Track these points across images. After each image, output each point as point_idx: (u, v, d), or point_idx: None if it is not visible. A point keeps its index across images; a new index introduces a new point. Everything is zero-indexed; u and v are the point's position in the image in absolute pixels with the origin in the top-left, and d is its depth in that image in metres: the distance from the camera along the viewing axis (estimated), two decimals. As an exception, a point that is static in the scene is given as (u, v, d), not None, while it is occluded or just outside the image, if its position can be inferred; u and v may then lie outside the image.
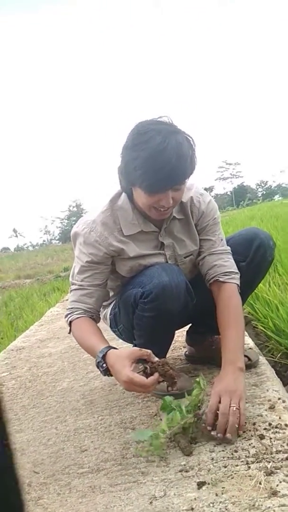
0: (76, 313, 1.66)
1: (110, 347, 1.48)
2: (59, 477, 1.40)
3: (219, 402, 1.38)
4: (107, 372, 1.46)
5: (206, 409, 1.40)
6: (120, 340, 2.32)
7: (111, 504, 1.19)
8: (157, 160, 1.41)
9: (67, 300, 5.25)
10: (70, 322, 1.67)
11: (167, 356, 1.87)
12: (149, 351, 1.40)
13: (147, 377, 1.34)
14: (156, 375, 1.34)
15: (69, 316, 1.68)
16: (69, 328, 1.70)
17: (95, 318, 1.71)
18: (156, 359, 1.39)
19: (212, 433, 1.35)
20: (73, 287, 1.70)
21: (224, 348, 1.56)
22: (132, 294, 1.64)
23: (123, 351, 1.44)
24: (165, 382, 1.43)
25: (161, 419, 1.56)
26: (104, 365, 1.45)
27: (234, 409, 1.35)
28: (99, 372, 1.50)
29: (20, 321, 6.86)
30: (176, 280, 1.57)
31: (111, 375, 1.46)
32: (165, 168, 1.41)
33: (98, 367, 1.49)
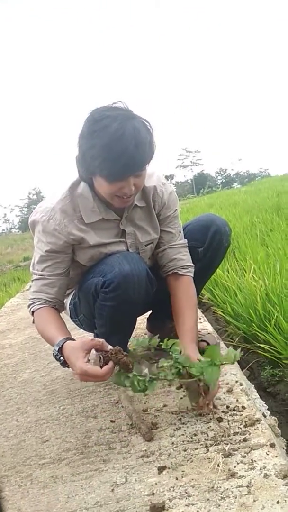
0: (38, 303, 1.63)
1: (67, 339, 1.45)
2: (20, 469, 1.39)
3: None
4: (65, 364, 1.45)
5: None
6: (81, 330, 2.32)
7: (73, 493, 1.19)
8: (115, 147, 1.37)
9: (27, 290, 5.19)
10: (33, 312, 1.65)
11: (128, 343, 1.88)
12: (101, 340, 1.39)
13: (101, 367, 1.34)
14: (110, 364, 1.34)
15: (31, 306, 1.65)
16: (32, 318, 1.68)
17: (58, 308, 1.68)
18: (110, 347, 1.38)
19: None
20: (34, 277, 1.67)
21: (184, 327, 1.63)
22: (93, 284, 1.62)
23: (76, 342, 1.42)
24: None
25: (122, 407, 1.57)
26: (61, 357, 1.43)
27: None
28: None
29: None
30: (137, 268, 1.57)
31: (69, 367, 1.45)
32: (123, 155, 1.38)
33: (56, 359, 1.48)
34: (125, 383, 1.34)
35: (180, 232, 1.80)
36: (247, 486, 1.06)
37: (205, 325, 2.27)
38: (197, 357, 1.48)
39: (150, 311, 2.08)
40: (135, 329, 1.90)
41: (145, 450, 1.30)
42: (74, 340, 1.45)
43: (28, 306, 1.67)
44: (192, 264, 1.77)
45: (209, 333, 2.11)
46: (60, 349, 1.43)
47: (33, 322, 1.67)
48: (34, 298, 1.65)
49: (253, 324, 2.15)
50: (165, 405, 1.53)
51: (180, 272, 1.73)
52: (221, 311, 2.67)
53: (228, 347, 2.04)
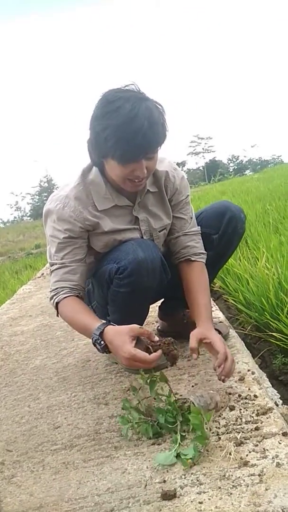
0: (62, 292, 1.60)
1: (107, 324, 1.45)
2: (32, 454, 1.40)
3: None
4: (105, 348, 1.43)
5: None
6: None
7: (84, 480, 1.20)
8: (128, 128, 1.36)
9: (39, 277, 5.23)
10: (57, 303, 1.61)
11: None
12: (149, 330, 1.39)
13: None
14: (159, 352, 1.32)
15: (54, 297, 1.62)
16: (56, 310, 1.64)
17: (82, 296, 1.66)
18: (157, 338, 1.38)
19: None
20: (54, 266, 1.63)
21: (198, 305, 1.63)
22: (107, 270, 1.61)
23: (122, 327, 1.40)
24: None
25: (133, 394, 1.58)
26: (102, 342, 1.42)
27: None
28: (96, 350, 1.47)
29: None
30: (151, 255, 1.56)
31: (109, 352, 1.44)
32: (137, 135, 1.36)
33: (95, 345, 1.46)
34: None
35: (191, 218, 1.79)
36: (259, 475, 1.05)
37: (216, 314, 2.26)
38: (212, 335, 1.48)
39: (162, 299, 2.07)
40: (146, 317, 1.90)
41: (156, 438, 1.30)
42: (114, 325, 1.45)
43: (51, 298, 1.64)
44: (205, 252, 1.77)
45: (220, 322, 2.10)
46: (101, 334, 1.41)
47: (57, 314, 1.65)
48: (57, 288, 1.62)
49: (265, 313, 2.13)
50: (176, 393, 1.53)
51: (192, 258, 1.73)
52: (233, 300, 2.65)
53: (239, 336, 2.03)
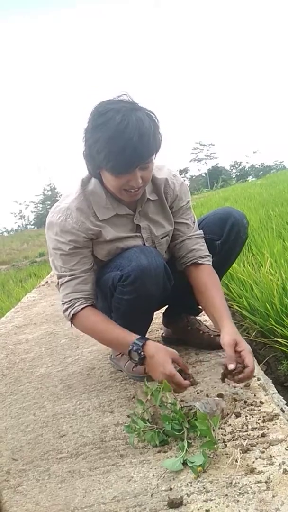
0: (77, 304, 1.61)
1: (147, 338, 1.52)
2: (38, 463, 1.39)
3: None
4: (142, 360, 1.48)
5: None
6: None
7: (90, 488, 1.19)
8: (118, 139, 1.37)
9: (43, 285, 5.24)
10: (73, 315, 1.62)
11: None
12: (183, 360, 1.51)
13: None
14: (191, 381, 1.47)
15: (70, 309, 1.62)
16: (70, 322, 1.67)
17: (95, 305, 1.68)
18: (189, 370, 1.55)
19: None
20: (65, 279, 1.63)
21: (215, 304, 1.63)
22: (110, 277, 1.62)
23: (163, 346, 1.52)
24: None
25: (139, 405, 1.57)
26: (142, 353, 1.47)
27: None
28: (130, 360, 1.56)
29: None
30: (155, 262, 1.56)
31: (142, 364, 1.50)
32: (127, 147, 1.37)
33: (131, 354, 1.50)
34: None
35: (194, 222, 1.80)
36: (266, 482, 1.05)
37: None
38: (244, 344, 1.48)
39: (167, 306, 2.07)
40: (151, 324, 1.90)
41: (163, 445, 1.30)
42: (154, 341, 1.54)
43: (65, 311, 1.64)
44: (210, 254, 1.76)
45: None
46: (143, 346, 1.47)
47: (72, 325, 1.68)
48: (71, 300, 1.62)
49: (270, 318, 2.13)
50: (181, 400, 1.52)
51: (199, 261, 1.73)
52: (237, 306, 2.65)
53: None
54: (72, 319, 1.64)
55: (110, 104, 1.43)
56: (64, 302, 1.64)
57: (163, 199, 1.71)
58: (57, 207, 1.64)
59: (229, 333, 1.50)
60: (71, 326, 1.70)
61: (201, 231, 1.79)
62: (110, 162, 1.42)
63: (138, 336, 1.51)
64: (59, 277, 1.65)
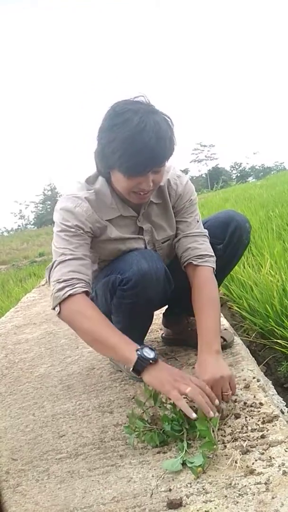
0: (78, 285, 1.44)
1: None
2: (37, 463, 1.39)
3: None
4: (140, 372, 1.33)
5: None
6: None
7: (90, 488, 1.19)
8: (135, 141, 1.35)
9: (43, 285, 5.24)
10: (70, 295, 1.43)
11: (144, 339, 1.88)
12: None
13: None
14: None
15: (67, 289, 1.44)
16: (58, 305, 1.45)
17: (92, 299, 1.59)
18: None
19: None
20: (65, 257, 1.48)
21: (200, 332, 1.54)
22: (110, 280, 1.61)
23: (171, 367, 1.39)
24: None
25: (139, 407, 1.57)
26: (147, 366, 1.32)
27: (229, 395, 1.39)
28: (129, 367, 1.35)
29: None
30: (155, 267, 1.55)
31: (137, 376, 1.36)
32: (144, 149, 1.35)
33: (140, 362, 1.32)
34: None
35: (198, 221, 1.75)
36: (266, 483, 1.05)
37: (221, 321, 2.26)
38: (212, 360, 1.43)
39: (166, 306, 2.07)
40: (151, 325, 1.90)
41: (162, 446, 1.30)
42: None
43: (61, 290, 1.44)
44: (212, 253, 1.69)
45: (225, 329, 2.10)
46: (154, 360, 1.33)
47: (59, 308, 1.45)
48: (72, 280, 1.45)
49: (270, 320, 2.13)
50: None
51: (195, 263, 1.65)
52: (237, 307, 2.65)
53: (244, 343, 2.03)
54: (64, 301, 1.44)
55: (127, 105, 1.41)
56: (61, 280, 1.46)
57: (167, 202, 1.69)
58: (67, 196, 1.59)
59: (202, 370, 1.44)
60: (57, 310, 1.47)
61: (204, 230, 1.74)
62: (124, 163, 1.40)
63: (149, 347, 1.37)
64: (59, 254, 1.50)
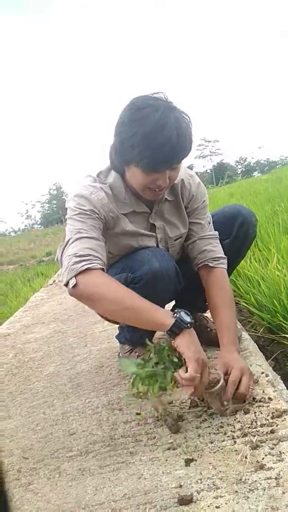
0: (96, 261, 1.41)
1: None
2: (48, 461, 1.40)
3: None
4: (176, 332, 1.32)
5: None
6: (106, 322, 2.33)
7: (101, 486, 1.20)
8: (157, 137, 1.35)
9: (51, 284, 5.26)
10: (88, 269, 1.38)
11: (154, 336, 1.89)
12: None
13: None
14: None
15: (84, 263, 1.38)
16: (74, 277, 1.39)
17: None
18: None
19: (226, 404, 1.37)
20: (81, 235, 1.45)
21: (220, 330, 1.59)
22: (121, 278, 1.60)
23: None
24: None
25: (147, 399, 1.57)
26: (189, 325, 1.33)
27: (251, 391, 1.42)
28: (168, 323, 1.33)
29: (5, 307, 6.81)
30: (166, 265, 1.56)
31: (175, 334, 1.32)
32: (165, 146, 1.35)
33: (177, 324, 1.32)
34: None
35: (209, 223, 1.77)
36: (276, 478, 1.05)
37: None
38: (232, 357, 1.47)
39: (174, 303, 2.07)
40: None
41: (172, 443, 1.30)
42: None
43: (77, 263, 1.39)
44: (224, 256, 1.72)
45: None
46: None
47: (74, 282, 1.38)
48: (89, 255, 1.41)
49: (278, 314, 2.12)
50: (189, 397, 1.52)
51: (211, 264, 1.69)
52: (244, 302, 2.64)
53: (252, 338, 2.02)
54: (81, 274, 1.38)
55: (148, 100, 1.41)
56: (78, 254, 1.40)
57: (179, 200, 1.70)
58: (82, 184, 1.58)
59: (220, 360, 1.49)
60: (72, 283, 1.39)
61: (215, 232, 1.76)
62: (144, 158, 1.39)
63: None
64: (75, 233, 1.46)
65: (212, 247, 1.72)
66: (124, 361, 1.32)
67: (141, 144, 1.37)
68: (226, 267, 1.72)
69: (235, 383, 1.40)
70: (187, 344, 1.31)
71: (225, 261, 1.72)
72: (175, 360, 1.31)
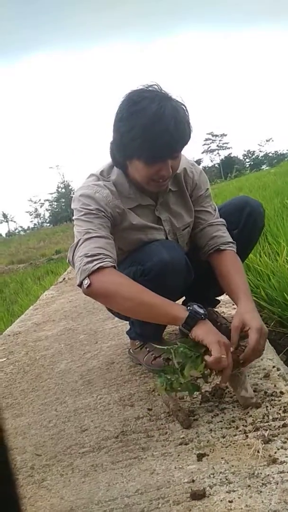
0: (107, 259, 1.42)
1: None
2: (61, 458, 1.41)
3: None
4: (192, 325, 1.34)
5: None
6: (116, 319, 2.33)
7: (114, 481, 1.20)
8: (155, 127, 1.37)
9: (61, 282, 5.27)
10: (99, 268, 1.40)
11: (164, 331, 1.89)
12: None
13: None
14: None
15: (96, 262, 1.40)
16: (87, 277, 1.41)
17: None
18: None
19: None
20: (91, 235, 1.47)
21: (237, 289, 1.56)
22: (131, 272, 1.60)
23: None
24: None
25: (158, 395, 1.57)
26: (203, 316, 1.36)
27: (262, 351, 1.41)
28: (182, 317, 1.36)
29: (16, 306, 6.87)
30: (177, 256, 1.56)
31: (190, 326, 1.35)
32: (164, 135, 1.37)
33: (192, 316, 1.35)
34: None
35: (215, 210, 1.78)
36: (289, 472, 1.04)
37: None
38: (249, 316, 1.43)
39: (184, 298, 2.07)
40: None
41: (183, 438, 1.30)
42: None
43: (89, 262, 1.41)
44: (234, 241, 1.72)
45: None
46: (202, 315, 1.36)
47: (88, 281, 1.40)
48: (100, 254, 1.42)
49: (288, 308, 2.11)
50: (201, 392, 1.52)
51: (222, 248, 1.68)
52: (255, 296, 2.62)
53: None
54: (94, 273, 1.40)
55: (143, 93, 1.43)
56: (89, 254, 1.42)
57: (183, 189, 1.71)
58: (85, 184, 1.59)
59: (238, 314, 1.45)
60: (86, 283, 1.41)
61: (222, 219, 1.76)
62: (145, 149, 1.41)
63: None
64: (84, 234, 1.47)
65: (222, 233, 1.72)
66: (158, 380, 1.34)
67: (141, 136, 1.39)
68: (235, 251, 1.70)
69: (257, 344, 1.38)
70: (205, 331, 1.33)
71: (235, 245, 1.71)
72: (196, 353, 1.33)
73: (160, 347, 1.39)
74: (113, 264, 1.44)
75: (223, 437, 1.25)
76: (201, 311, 1.36)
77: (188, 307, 1.37)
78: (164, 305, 1.40)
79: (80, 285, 1.44)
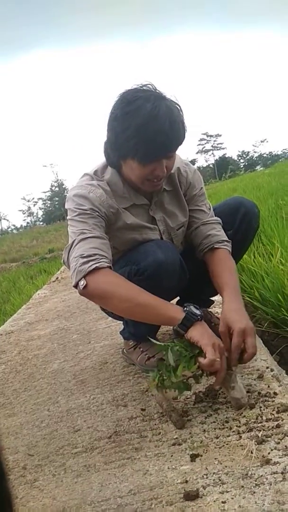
0: (102, 260, 1.41)
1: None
2: (53, 458, 1.40)
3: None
4: (188, 324, 1.35)
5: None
6: (109, 318, 2.33)
7: (106, 482, 1.20)
8: (150, 127, 1.37)
9: (54, 281, 5.25)
10: (95, 268, 1.39)
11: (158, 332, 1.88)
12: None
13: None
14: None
15: (92, 263, 1.40)
16: (83, 278, 1.40)
17: None
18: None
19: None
20: (86, 235, 1.46)
21: (225, 286, 1.54)
22: (125, 272, 1.59)
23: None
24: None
25: (152, 395, 1.57)
26: (199, 317, 1.36)
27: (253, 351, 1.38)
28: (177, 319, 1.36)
29: (8, 305, 6.84)
30: (171, 256, 1.56)
31: (181, 333, 1.36)
32: (159, 134, 1.38)
33: (188, 317, 1.35)
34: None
35: (210, 209, 1.78)
36: (282, 473, 1.04)
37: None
38: (234, 317, 1.41)
39: (178, 298, 2.06)
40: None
41: (177, 438, 1.30)
42: None
43: (85, 263, 1.40)
44: (229, 240, 1.71)
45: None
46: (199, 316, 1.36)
47: (84, 282, 1.40)
48: (95, 255, 1.42)
49: (282, 309, 2.11)
50: (194, 393, 1.52)
51: (216, 246, 1.67)
52: (248, 297, 2.63)
53: (257, 333, 2.01)
54: (90, 274, 1.39)
55: (138, 92, 1.43)
56: (84, 255, 1.41)
57: (178, 189, 1.71)
58: (79, 184, 1.58)
59: (222, 317, 1.45)
60: (82, 284, 1.41)
61: (217, 218, 1.76)
62: (140, 149, 1.41)
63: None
64: (78, 234, 1.47)
65: (216, 232, 1.71)
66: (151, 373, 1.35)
67: (136, 136, 1.39)
68: (230, 250, 1.70)
69: (238, 348, 1.37)
70: (200, 333, 1.33)
71: (229, 244, 1.70)
72: (190, 353, 1.33)
73: (158, 343, 1.38)
74: (108, 265, 1.44)
75: (217, 437, 1.25)
76: (198, 312, 1.37)
77: (185, 308, 1.37)
78: (161, 306, 1.40)
79: (76, 286, 1.44)
